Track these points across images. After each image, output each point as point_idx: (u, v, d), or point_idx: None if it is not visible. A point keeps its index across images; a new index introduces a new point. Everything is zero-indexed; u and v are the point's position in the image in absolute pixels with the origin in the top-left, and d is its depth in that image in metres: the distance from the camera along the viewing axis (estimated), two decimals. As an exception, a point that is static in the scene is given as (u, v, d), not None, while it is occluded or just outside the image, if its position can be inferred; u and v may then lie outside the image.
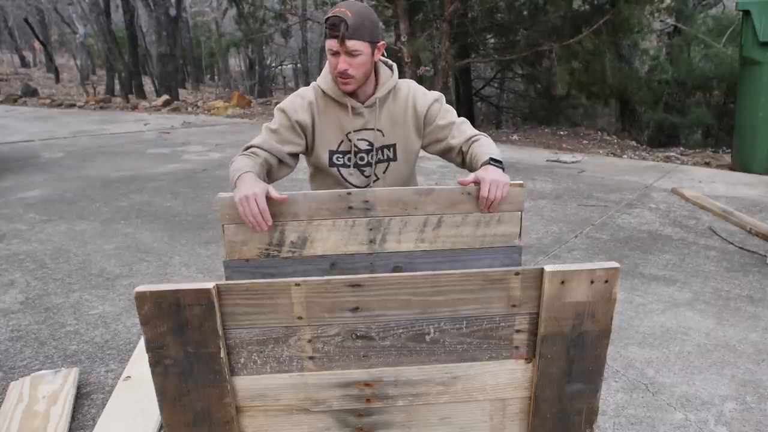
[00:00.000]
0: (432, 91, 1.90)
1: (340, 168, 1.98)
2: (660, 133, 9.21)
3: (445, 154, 1.96)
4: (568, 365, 1.34)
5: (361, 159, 1.98)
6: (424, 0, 7.99)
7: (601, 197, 4.11)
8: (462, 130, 1.81)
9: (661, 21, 8.89)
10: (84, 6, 14.22)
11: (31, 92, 12.99)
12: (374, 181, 2.03)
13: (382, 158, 2.01)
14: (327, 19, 1.82)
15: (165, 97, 11.07)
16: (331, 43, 1.85)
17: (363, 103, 1.85)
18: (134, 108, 10.48)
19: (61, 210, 3.52)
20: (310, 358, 1.25)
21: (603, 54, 7.15)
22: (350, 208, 1.68)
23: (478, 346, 1.30)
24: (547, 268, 1.24)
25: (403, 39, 7.70)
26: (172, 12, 12.44)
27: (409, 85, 1.91)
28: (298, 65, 15.76)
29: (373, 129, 1.94)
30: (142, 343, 1.87)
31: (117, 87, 13.88)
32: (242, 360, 1.22)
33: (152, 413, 1.50)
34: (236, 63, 20.51)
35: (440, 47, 7.85)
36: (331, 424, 1.31)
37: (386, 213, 1.69)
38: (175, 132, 7.12)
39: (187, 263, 2.64)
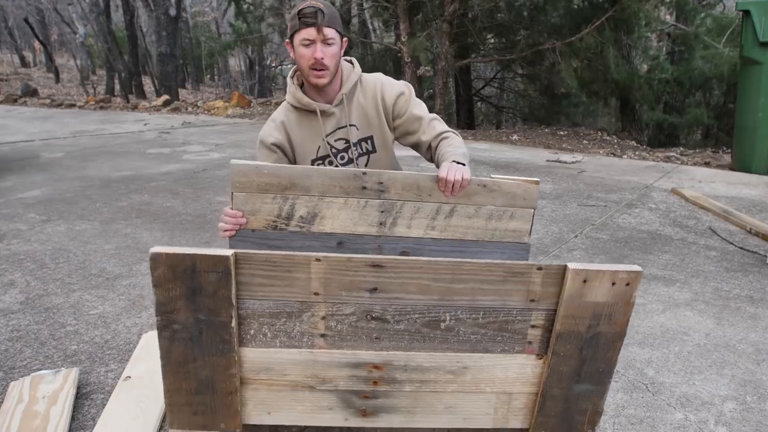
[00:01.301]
0: (400, 81, 1.90)
1: (321, 163, 2.00)
2: (660, 133, 9.22)
3: (416, 147, 1.98)
4: (580, 365, 1.33)
5: (342, 158, 1.99)
6: (424, 0, 7.99)
7: (601, 197, 4.11)
8: (432, 126, 1.82)
9: (661, 21, 8.89)
10: (84, 6, 14.21)
11: (31, 92, 12.99)
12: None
13: (361, 152, 2.01)
14: (300, 11, 1.82)
15: (165, 97, 11.07)
16: (308, 32, 1.84)
17: (331, 102, 1.85)
18: (134, 108, 10.48)
19: (61, 210, 3.52)
20: (322, 335, 1.24)
21: (606, 51, 7.15)
22: (364, 188, 1.66)
23: (491, 338, 1.30)
24: (571, 265, 1.24)
25: (403, 39, 7.69)
26: (172, 12, 12.43)
27: (377, 78, 1.91)
28: (298, 65, 15.72)
29: (345, 126, 1.94)
30: (142, 343, 1.87)
31: (117, 87, 13.88)
32: (252, 332, 1.20)
33: (152, 413, 1.50)
34: (236, 63, 20.51)
35: (440, 47, 7.85)
36: (335, 403, 1.30)
37: (400, 197, 1.67)
38: (175, 132, 7.12)
39: (187, 263, 2.63)
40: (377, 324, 1.25)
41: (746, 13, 4.86)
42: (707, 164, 5.93)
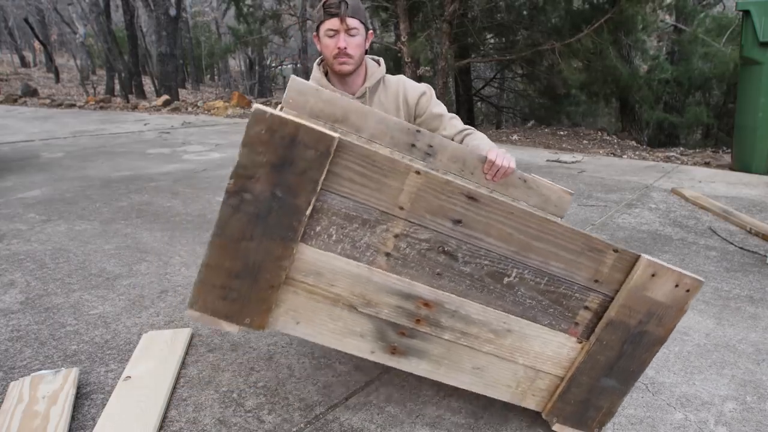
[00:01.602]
0: (422, 83, 1.96)
1: None
2: (660, 133, 9.21)
3: None
4: (616, 358, 1.33)
5: None
6: (424, 0, 7.99)
7: (601, 197, 4.11)
8: (453, 123, 1.90)
9: (661, 21, 8.89)
10: (84, 6, 14.21)
11: (31, 92, 12.98)
12: None
13: None
14: (325, 2, 1.88)
15: (165, 97, 11.06)
16: (332, 23, 1.91)
17: (354, 94, 1.89)
18: (134, 108, 10.48)
19: (61, 210, 3.52)
20: (387, 254, 1.19)
21: (605, 51, 7.15)
22: (413, 146, 1.63)
23: (544, 308, 1.28)
24: (645, 256, 1.24)
25: (403, 39, 7.69)
26: (172, 12, 12.42)
27: (399, 79, 1.98)
28: (298, 65, 15.74)
29: None
30: (142, 343, 1.87)
31: (117, 87, 13.88)
32: (318, 229, 1.15)
33: (152, 413, 1.50)
34: (236, 63, 20.50)
35: (440, 47, 7.84)
36: (369, 332, 1.24)
37: (444, 166, 1.66)
38: (175, 132, 7.12)
39: (187, 263, 2.64)
40: (445, 259, 1.21)
41: (746, 13, 4.86)
42: (707, 164, 5.93)
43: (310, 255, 1.15)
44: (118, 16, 17.61)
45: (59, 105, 10.92)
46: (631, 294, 1.26)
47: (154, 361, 1.75)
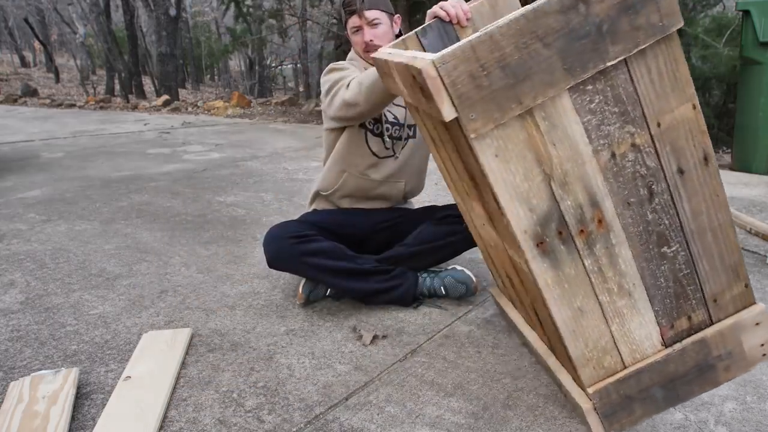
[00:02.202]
0: None
1: (368, 132, 2.12)
2: (660, 133, 9.20)
3: None
4: (679, 377, 1.38)
5: (387, 129, 2.11)
6: (424, 0, 7.99)
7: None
8: None
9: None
10: (84, 6, 14.21)
11: (31, 92, 12.98)
12: (393, 157, 2.18)
13: (406, 135, 2.14)
14: (343, 1, 1.94)
15: (165, 97, 11.07)
16: (353, 20, 1.99)
17: None
18: (134, 108, 10.48)
19: (61, 210, 3.53)
20: (613, 155, 1.22)
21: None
22: None
23: (665, 296, 1.34)
24: (761, 304, 1.35)
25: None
26: (172, 12, 12.42)
27: None
28: (298, 65, 15.75)
29: (404, 106, 2.08)
30: (142, 343, 1.87)
31: (117, 87, 13.88)
32: (590, 88, 1.17)
33: (152, 413, 1.50)
34: (236, 63, 20.50)
35: (440, 47, 7.84)
36: (538, 209, 1.21)
37: None
38: (175, 132, 7.12)
39: (187, 263, 2.64)
40: (645, 194, 1.25)
41: (746, 13, 4.86)
42: (707, 164, 5.93)
43: (562, 104, 1.14)
44: (118, 16, 17.61)
45: (59, 105, 10.92)
46: (731, 329, 1.33)
47: (154, 361, 1.75)
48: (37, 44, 20.81)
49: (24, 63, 22.10)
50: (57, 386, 1.59)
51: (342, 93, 1.85)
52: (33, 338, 1.96)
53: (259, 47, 12.59)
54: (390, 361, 1.80)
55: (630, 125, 1.18)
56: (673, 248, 1.28)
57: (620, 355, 1.34)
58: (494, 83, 1.06)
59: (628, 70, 1.14)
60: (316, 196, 2.31)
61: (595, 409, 1.34)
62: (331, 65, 2.00)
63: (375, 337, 1.93)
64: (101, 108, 10.53)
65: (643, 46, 1.11)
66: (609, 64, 1.11)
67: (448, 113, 1.06)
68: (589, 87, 1.13)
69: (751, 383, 1.68)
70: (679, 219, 1.26)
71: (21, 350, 1.88)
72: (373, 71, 1.72)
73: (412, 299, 2.14)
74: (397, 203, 2.33)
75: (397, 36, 2.07)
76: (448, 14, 1.61)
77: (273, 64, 17.09)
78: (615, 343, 1.32)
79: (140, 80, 14.11)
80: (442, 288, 2.16)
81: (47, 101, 11.45)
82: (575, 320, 1.27)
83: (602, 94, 1.15)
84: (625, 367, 1.34)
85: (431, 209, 2.33)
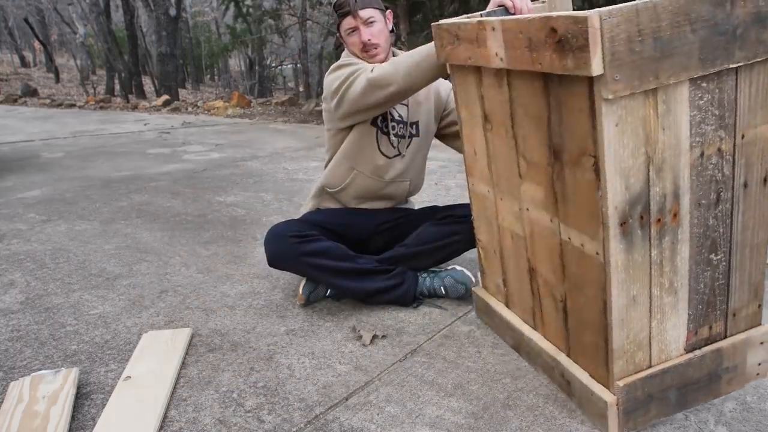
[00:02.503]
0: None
1: (378, 131, 2.12)
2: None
3: (457, 137, 2.10)
4: (692, 383, 1.46)
5: (393, 128, 2.11)
6: (424, 0, 7.99)
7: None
8: None
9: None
10: (84, 6, 14.22)
11: (31, 92, 12.99)
12: (400, 156, 2.19)
13: (413, 132, 2.15)
14: (334, 3, 1.94)
15: (165, 97, 11.06)
16: (347, 21, 1.97)
17: None
18: (134, 108, 10.48)
19: (61, 210, 3.53)
20: (719, 150, 1.27)
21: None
22: None
23: (699, 301, 1.39)
24: (767, 325, 1.47)
25: (403, 39, 7.70)
26: (172, 12, 12.43)
27: None
28: (298, 65, 15.75)
29: (407, 105, 2.08)
30: (142, 343, 1.87)
31: (117, 87, 13.88)
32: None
33: (152, 413, 1.50)
34: (236, 63, 20.51)
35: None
36: (630, 190, 1.23)
37: None
38: (175, 132, 7.12)
39: (187, 263, 2.64)
40: (712, 200, 1.32)
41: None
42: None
43: (681, 92, 1.18)
44: (118, 16, 17.61)
45: (59, 105, 10.92)
46: (743, 344, 1.42)
47: (154, 361, 1.75)
48: (37, 44, 20.81)
49: (24, 63, 22.11)
50: (57, 386, 1.59)
51: (364, 77, 1.81)
52: (33, 338, 1.96)
53: (259, 47, 12.59)
54: (390, 361, 1.80)
55: (722, 131, 1.23)
56: (719, 257, 1.34)
57: (650, 352, 1.36)
58: (644, 51, 1.10)
59: (736, 78, 1.20)
60: (321, 192, 2.27)
61: (617, 404, 1.34)
62: (338, 62, 1.97)
63: (375, 337, 1.93)
64: (101, 108, 10.53)
65: (758, 59, 1.18)
66: (731, 66, 1.17)
67: (596, 68, 1.07)
68: (704, 84, 1.19)
69: (751, 383, 1.68)
70: (731, 229, 1.32)
71: (21, 350, 1.88)
72: (416, 51, 1.70)
73: (412, 299, 2.14)
74: (399, 203, 2.33)
75: (391, 32, 2.05)
76: (513, 5, 1.61)
77: (273, 64, 17.09)
78: (650, 339, 1.34)
79: (140, 80, 14.12)
80: (442, 288, 2.16)
81: (47, 101, 11.45)
82: (627, 309, 1.29)
83: (711, 94, 1.20)
84: (651, 366, 1.36)
85: (432, 210, 2.33)
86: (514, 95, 1.40)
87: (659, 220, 1.24)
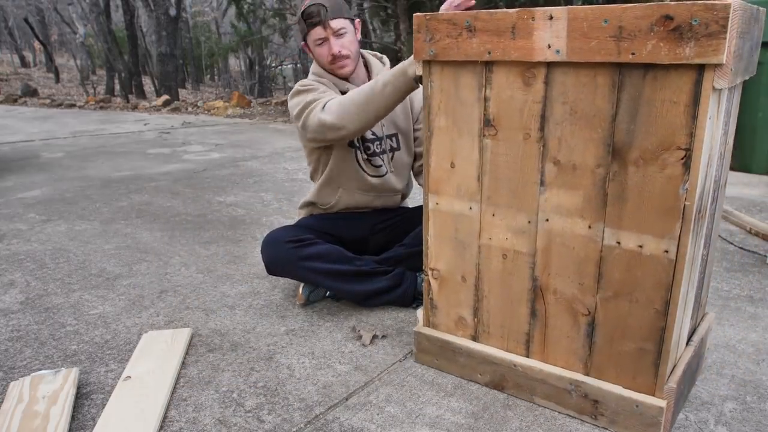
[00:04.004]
0: None
1: (357, 151, 2.05)
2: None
3: (418, 157, 2.05)
4: (691, 369, 1.57)
5: (368, 148, 2.03)
6: (424, 0, 7.99)
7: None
8: None
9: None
10: (84, 6, 14.22)
11: (31, 92, 12.99)
12: (387, 173, 2.12)
13: (393, 146, 2.08)
14: (303, 12, 1.85)
15: (165, 97, 11.07)
16: (317, 32, 1.89)
17: None
18: (134, 108, 10.48)
19: (61, 210, 3.53)
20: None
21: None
22: None
23: (697, 305, 1.60)
24: (711, 313, 1.66)
25: (402, 39, 7.70)
26: (172, 12, 12.43)
27: None
28: (298, 65, 15.75)
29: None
30: (142, 343, 1.87)
31: (117, 87, 13.88)
32: None
33: (152, 413, 1.50)
34: (236, 63, 20.50)
35: (440, 47, 7.83)
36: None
37: None
38: (175, 132, 7.12)
39: (187, 263, 2.64)
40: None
41: (746, 13, 4.86)
42: (707, 164, 5.94)
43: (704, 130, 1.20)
44: (118, 16, 17.61)
45: (59, 105, 10.92)
46: (701, 329, 1.60)
47: (154, 361, 1.75)
48: (37, 44, 20.82)
49: (24, 63, 22.11)
50: (57, 386, 1.59)
51: (316, 117, 1.71)
52: (33, 338, 1.96)
53: (259, 47, 12.59)
54: (390, 361, 1.80)
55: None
56: (707, 258, 1.47)
57: (678, 349, 1.38)
58: (744, 47, 1.18)
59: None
60: (312, 205, 2.23)
61: (667, 407, 1.33)
62: (297, 86, 1.86)
63: (375, 337, 1.93)
64: (101, 108, 10.53)
65: None
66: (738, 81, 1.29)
67: (726, 57, 1.07)
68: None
69: (751, 383, 1.68)
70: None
71: (21, 350, 1.88)
72: (364, 87, 1.61)
73: (411, 299, 2.14)
74: (394, 207, 2.33)
75: (360, 41, 1.98)
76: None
77: (273, 64, 17.08)
78: (680, 336, 1.36)
79: (140, 80, 14.12)
80: (442, 288, 2.16)
81: (47, 101, 11.45)
82: (683, 307, 1.33)
83: (731, 103, 1.33)
84: (676, 363, 1.39)
85: None
86: (553, 93, 1.26)
87: (702, 215, 1.28)
